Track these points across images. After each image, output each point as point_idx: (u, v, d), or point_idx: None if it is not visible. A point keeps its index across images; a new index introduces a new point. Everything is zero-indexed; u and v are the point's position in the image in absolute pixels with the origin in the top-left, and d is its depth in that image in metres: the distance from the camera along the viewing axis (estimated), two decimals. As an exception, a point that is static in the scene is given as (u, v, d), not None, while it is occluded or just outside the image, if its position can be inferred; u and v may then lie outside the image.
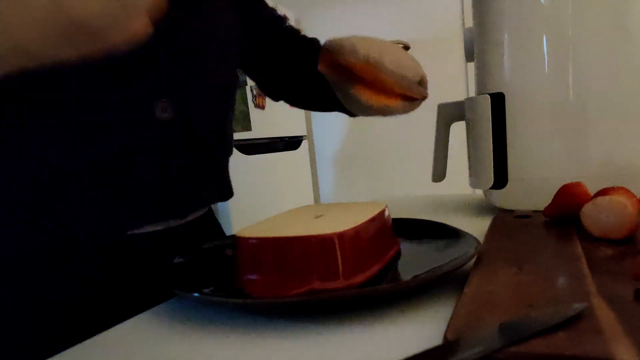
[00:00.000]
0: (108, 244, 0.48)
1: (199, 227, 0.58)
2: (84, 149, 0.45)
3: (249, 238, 0.35)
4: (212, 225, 0.64)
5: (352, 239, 0.35)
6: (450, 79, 2.47)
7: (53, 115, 0.44)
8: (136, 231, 0.49)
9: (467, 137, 0.68)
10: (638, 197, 0.44)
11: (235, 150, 0.64)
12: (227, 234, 0.63)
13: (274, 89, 0.77)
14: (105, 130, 0.45)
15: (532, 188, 0.60)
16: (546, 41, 0.58)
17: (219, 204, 1.91)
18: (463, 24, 2.46)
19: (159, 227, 0.51)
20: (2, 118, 0.43)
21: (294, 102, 0.78)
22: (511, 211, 0.62)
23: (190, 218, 0.55)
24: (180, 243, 0.54)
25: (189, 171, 0.52)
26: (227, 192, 0.62)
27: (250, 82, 2.15)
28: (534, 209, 0.59)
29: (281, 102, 0.79)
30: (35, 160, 0.44)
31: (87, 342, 0.33)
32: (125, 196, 0.47)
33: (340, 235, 0.34)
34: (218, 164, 0.59)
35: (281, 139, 2.39)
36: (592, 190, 0.49)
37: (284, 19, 0.74)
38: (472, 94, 0.69)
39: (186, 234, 0.55)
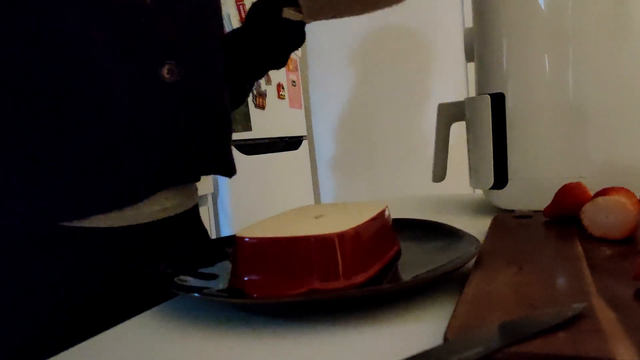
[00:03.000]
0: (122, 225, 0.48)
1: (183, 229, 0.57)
2: (92, 120, 0.45)
3: (249, 238, 0.35)
4: (196, 228, 0.62)
5: (352, 239, 0.35)
6: (450, 79, 2.47)
7: (61, 88, 0.44)
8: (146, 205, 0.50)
9: (467, 137, 0.68)
10: (638, 197, 0.44)
11: (235, 150, 0.63)
12: (227, 234, 0.62)
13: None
14: (113, 100, 0.46)
15: (532, 188, 0.60)
16: (546, 41, 0.58)
17: (219, 203, 1.91)
18: (463, 24, 2.46)
19: (165, 205, 0.52)
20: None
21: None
22: (511, 211, 0.62)
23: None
24: (180, 242, 0.54)
25: (195, 133, 0.53)
26: (230, 168, 0.62)
27: (250, 82, 2.14)
28: (534, 209, 0.59)
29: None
30: (49, 139, 0.45)
31: (87, 342, 0.33)
32: (134, 164, 0.48)
33: (341, 236, 0.34)
34: (221, 132, 0.59)
35: (281, 139, 2.39)
36: (592, 190, 0.49)
37: None
38: (472, 94, 0.68)
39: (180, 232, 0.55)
